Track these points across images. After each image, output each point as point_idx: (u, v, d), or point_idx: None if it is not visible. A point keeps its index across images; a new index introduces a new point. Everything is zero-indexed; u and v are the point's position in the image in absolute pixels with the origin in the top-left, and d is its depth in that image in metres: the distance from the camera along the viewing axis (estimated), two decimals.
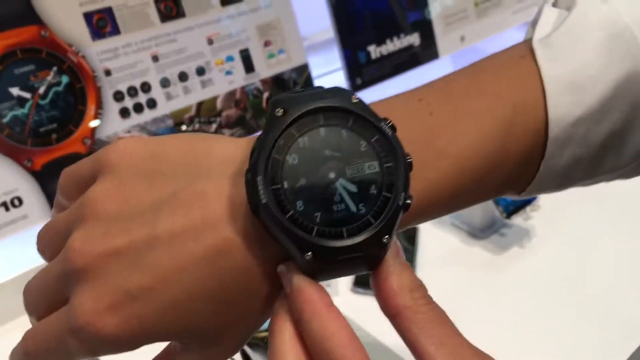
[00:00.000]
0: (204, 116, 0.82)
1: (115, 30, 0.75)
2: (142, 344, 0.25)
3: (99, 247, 0.24)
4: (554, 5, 0.30)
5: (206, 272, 0.24)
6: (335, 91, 0.25)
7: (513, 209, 0.80)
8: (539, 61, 0.28)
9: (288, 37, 0.89)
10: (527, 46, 0.29)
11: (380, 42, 0.99)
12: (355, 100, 0.24)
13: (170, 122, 0.79)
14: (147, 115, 0.78)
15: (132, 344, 0.25)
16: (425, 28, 1.06)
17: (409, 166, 0.24)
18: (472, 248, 0.81)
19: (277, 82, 0.89)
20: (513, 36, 1.24)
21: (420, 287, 0.24)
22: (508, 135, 0.27)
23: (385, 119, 0.25)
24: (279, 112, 0.24)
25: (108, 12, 0.75)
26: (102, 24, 0.74)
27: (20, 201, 0.69)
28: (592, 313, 0.69)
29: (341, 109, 0.24)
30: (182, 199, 0.24)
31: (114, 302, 0.24)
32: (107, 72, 0.75)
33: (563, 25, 0.28)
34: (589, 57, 0.27)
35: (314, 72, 0.93)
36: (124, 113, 0.76)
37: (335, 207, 0.23)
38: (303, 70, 0.91)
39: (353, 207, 0.23)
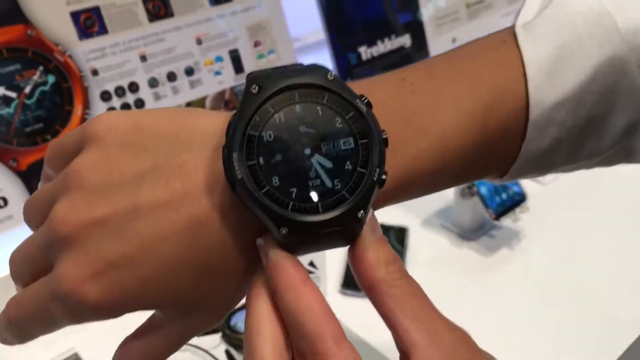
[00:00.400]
0: None
1: (103, 30, 0.75)
2: (124, 311, 0.25)
3: (83, 216, 0.24)
4: None
5: (187, 242, 0.24)
6: (312, 68, 0.25)
7: (502, 211, 0.80)
8: (520, 45, 0.28)
9: (278, 38, 0.89)
10: (510, 31, 0.29)
11: (371, 43, 0.99)
12: (330, 78, 0.25)
13: None
14: None
15: (114, 312, 0.25)
16: (417, 29, 1.06)
17: (385, 142, 0.25)
18: (461, 250, 0.81)
19: None
20: None
21: (395, 261, 0.24)
22: (488, 117, 0.28)
23: (361, 96, 0.25)
24: (255, 88, 0.24)
25: (95, 11, 0.74)
26: (89, 23, 0.74)
27: (5, 202, 0.68)
28: (582, 313, 0.69)
29: (316, 86, 0.24)
30: (164, 170, 0.25)
31: (96, 270, 0.24)
32: (95, 72, 0.74)
33: (546, 10, 0.28)
34: (570, 41, 0.27)
35: None
36: None
37: (310, 182, 0.24)
38: None
39: (328, 183, 0.24)
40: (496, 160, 0.29)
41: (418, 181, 0.27)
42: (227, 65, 0.85)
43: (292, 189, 0.23)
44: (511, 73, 0.28)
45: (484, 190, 0.78)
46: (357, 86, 0.25)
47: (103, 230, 0.24)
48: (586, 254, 0.78)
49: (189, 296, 0.26)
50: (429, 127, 0.27)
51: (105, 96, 0.75)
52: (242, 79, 0.86)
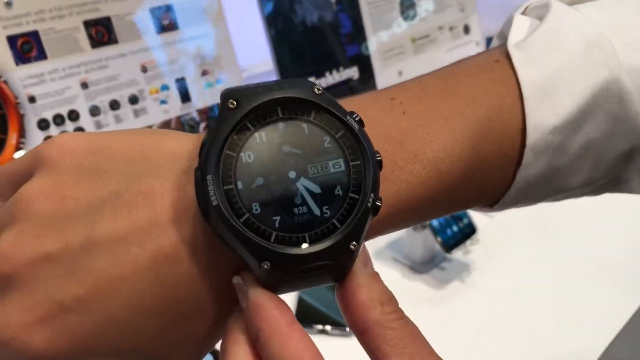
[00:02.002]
0: None
1: (42, 55, 0.71)
2: None
3: (29, 252, 0.21)
4: (524, 13, 0.29)
5: (150, 281, 0.21)
6: (296, 82, 0.22)
7: (453, 243, 0.79)
8: (515, 65, 0.26)
9: (226, 67, 0.87)
10: (500, 51, 0.28)
11: (319, 74, 0.99)
12: (318, 92, 0.22)
13: None
14: None
15: None
16: (364, 62, 1.06)
17: (379, 165, 0.22)
18: (413, 282, 0.80)
19: (214, 113, 0.86)
20: None
21: (391, 301, 0.22)
22: (483, 140, 0.26)
23: (351, 112, 0.22)
24: (232, 103, 0.21)
25: (34, 35, 0.71)
26: (27, 48, 0.70)
27: None
28: (531, 346, 0.69)
29: (302, 101, 0.22)
30: (126, 198, 0.22)
31: (44, 314, 0.21)
32: (32, 99, 0.70)
33: (539, 30, 0.27)
34: (566, 62, 0.26)
35: None
36: None
37: (296, 210, 0.21)
38: None
39: (316, 210, 0.21)
40: (489, 188, 0.27)
41: (411, 210, 0.25)
42: (174, 94, 0.82)
43: (274, 217, 0.21)
44: (507, 93, 0.26)
45: (435, 222, 0.78)
46: (343, 105, 0.23)
47: (53, 267, 0.21)
48: (535, 286, 0.78)
49: (154, 343, 0.22)
50: (422, 150, 0.25)
51: (43, 124, 0.71)
52: (188, 109, 0.83)
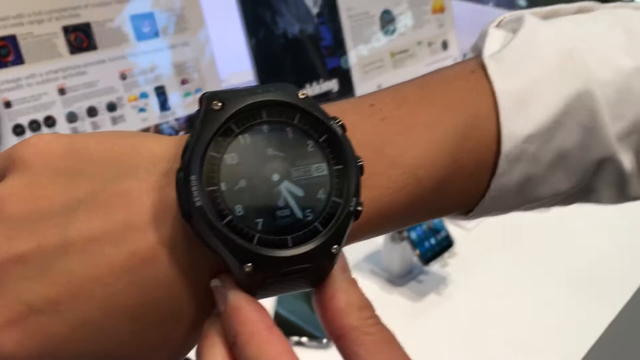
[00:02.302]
0: None
1: (19, 60, 0.70)
2: None
3: (0, 253, 0.21)
4: (498, 26, 0.30)
5: (126, 283, 0.21)
6: (280, 86, 0.22)
7: (431, 256, 0.80)
8: (490, 75, 0.27)
9: (206, 77, 0.87)
10: (476, 62, 0.28)
11: (299, 86, 0.99)
12: (302, 96, 0.22)
13: None
14: None
15: None
16: (344, 75, 1.07)
17: (360, 170, 0.22)
18: (390, 295, 0.80)
19: (193, 122, 0.85)
20: None
21: (368, 306, 0.22)
22: (460, 148, 0.26)
23: (334, 118, 0.23)
24: (217, 105, 0.21)
25: (11, 40, 0.70)
26: (4, 52, 0.69)
27: None
28: (508, 358, 0.69)
29: (287, 104, 0.22)
30: (102, 199, 0.21)
31: (14, 316, 0.21)
32: (7, 104, 0.69)
33: (513, 42, 0.28)
34: (540, 73, 0.27)
35: None
36: None
37: (279, 212, 0.21)
38: None
39: (299, 213, 0.21)
40: (465, 196, 0.28)
41: (389, 215, 0.25)
42: (153, 102, 0.82)
43: (257, 220, 0.21)
44: (482, 102, 0.27)
45: (413, 235, 0.78)
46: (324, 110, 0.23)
47: (25, 268, 0.21)
48: (511, 298, 0.79)
49: (128, 347, 0.22)
50: (401, 156, 0.25)
51: (18, 130, 0.70)
52: (167, 117, 0.83)
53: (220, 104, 0.21)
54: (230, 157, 0.21)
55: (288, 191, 0.21)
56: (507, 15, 0.31)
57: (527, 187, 0.28)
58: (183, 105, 0.84)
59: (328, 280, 0.22)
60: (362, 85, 1.10)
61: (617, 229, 0.90)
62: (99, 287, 0.21)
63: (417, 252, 0.78)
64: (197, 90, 0.86)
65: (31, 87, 0.71)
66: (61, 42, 0.73)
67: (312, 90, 1.01)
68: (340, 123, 0.23)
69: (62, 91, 0.73)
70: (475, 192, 0.28)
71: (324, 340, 0.70)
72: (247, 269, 0.20)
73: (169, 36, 0.83)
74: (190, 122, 0.85)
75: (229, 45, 0.93)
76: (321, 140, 0.22)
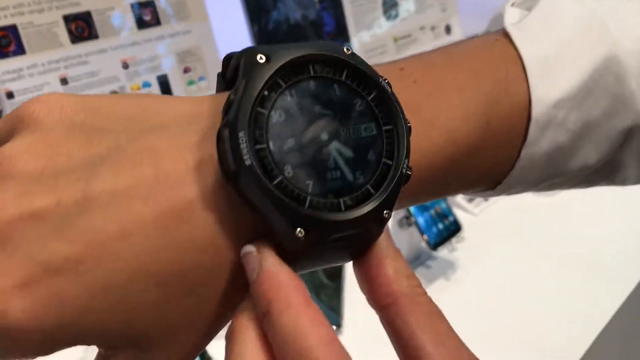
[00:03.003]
0: None
1: (20, 50, 0.69)
2: (54, 344, 0.19)
3: (12, 209, 0.18)
4: (513, 5, 0.30)
5: (155, 242, 0.19)
6: (324, 43, 0.21)
7: (439, 241, 0.79)
8: (515, 42, 0.26)
9: (209, 64, 0.86)
10: (499, 32, 0.28)
11: None
12: (348, 52, 0.21)
13: None
14: None
15: (41, 341, 0.18)
16: None
17: (409, 131, 0.21)
18: None
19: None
20: None
21: (414, 276, 0.20)
22: (492, 112, 0.26)
23: (381, 76, 0.21)
24: (261, 58, 0.20)
25: (12, 30, 0.69)
26: (5, 42, 0.68)
27: None
28: (518, 342, 0.69)
29: (335, 59, 0.21)
30: (129, 154, 0.19)
31: (25, 278, 0.18)
32: (10, 95, 0.68)
33: (534, 13, 0.27)
34: (564, 39, 0.26)
35: None
36: None
37: (329, 174, 0.20)
38: None
39: (349, 175, 0.20)
40: (496, 165, 0.27)
41: (428, 181, 0.24)
42: (155, 91, 0.81)
43: (308, 181, 0.19)
44: (510, 69, 0.26)
45: (421, 220, 0.78)
46: None
47: (40, 226, 0.18)
48: (520, 282, 0.78)
49: (150, 319, 0.19)
50: (437, 118, 0.24)
51: None
52: None
53: (264, 57, 0.20)
54: (277, 114, 0.19)
55: (337, 152, 0.20)
56: None
57: (555, 158, 0.27)
58: (186, 94, 0.84)
59: (374, 247, 0.21)
60: None
61: (626, 214, 0.90)
62: (125, 245, 0.18)
63: (425, 237, 0.78)
64: (200, 78, 0.85)
65: (33, 77, 0.70)
66: (62, 32, 0.72)
67: None
68: (387, 81, 0.21)
69: (64, 81, 0.73)
70: (506, 161, 0.27)
71: (334, 327, 0.69)
72: (299, 235, 0.19)
73: (171, 24, 0.82)
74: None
75: (231, 33, 0.92)
76: (370, 98, 0.21)
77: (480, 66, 0.26)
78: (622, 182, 0.31)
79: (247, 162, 0.18)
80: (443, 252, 0.82)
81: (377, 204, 0.20)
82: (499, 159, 0.27)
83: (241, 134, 0.18)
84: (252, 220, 0.19)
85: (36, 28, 0.70)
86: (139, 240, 0.18)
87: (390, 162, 0.21)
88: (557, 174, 0.28)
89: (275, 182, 0.19)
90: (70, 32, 0.73)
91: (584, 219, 0.89)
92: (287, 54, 0.20)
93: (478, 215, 0.92)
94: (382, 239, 0.21)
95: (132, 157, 0.19)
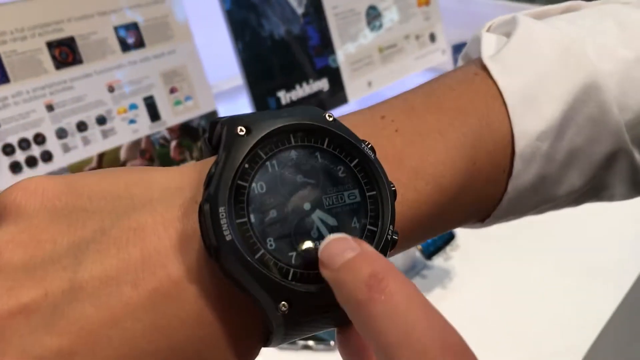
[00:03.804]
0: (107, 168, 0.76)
1: (4, 78, 0.69)
2: None
3: (1, 305, 0.18)
4: (488, 31, 0.30)
5: (147, 325, 0.19)
6: (304, 109, 0.21)
7: (433, 250, 0.79)
8: (494, 76, 0.26)
9: (195, 84, 0.86)
10: (476, 64, 0.28)
11: (289, 87, 0.98)
12: (329, 118, 0.21)
13: None
14: (42, 169, 0.71)
15: None
16: (333, 74, 1.06)
17: (394, 195, 0.21)
18: None
19: (185, 130, 0.85)
20: (417, 80, 1.27)
21: None
22: (477, 150, 0.26)
23: (364, 141, 0.21)
24: (241, 130, 0.20)
25: None
26: None
27: None
28: (516, 348, 0.68)
29: (315, 128, 0.21)
30: (113, 236, 0.19)
31: None
32: None
33: (510, 42, 0.27)
34: (543, 69, 0.26)
35: None
36: (15, 168, 0.69)
37: (312, 244, 0.20)
38: (212, 117, 0.88)
39: None
40: (484, 201, 0.27)
41: (415, 229, 0.24)
42: (142, 112, 0.81)
43: (290, 253, 0.19)
44: (492, 105, 0.26)
45: None
46: None
47: (31, 320, 0.18)
48: (516, 288, 0.78)
49: None
50: (421, 166, 0.24)
51: (8, 149, 0.69)
52: (158, 127, 0.82)
53: (244, 129, 0.20)
54: (258, 186, 0.19)
55: (321, 221, 0.20)
56: (496, 20, 0.30)
57: (542, 188, 0.27)
58: (174, 114, 0.83)
59: None
60: (352, 83, 1.09)
61: (621, 215, 0.90)
62: (117, 331, 0.18)
63: (419, 246, 0.78)
64: (187, 98, 0.85)
65: (18, 105, 0.70)
66: (46, 58, 0.72)
67: (302, 91, 1.00)
68: (370, 146, 0.21)
69: (50, 107, 0.72)
70: (493, 196, 0.27)
71: (332, 343, 0.69)
72: (282, 309, 0.18)
73: (155, 45, 0.82)
74: (182, 131, 0.84)
75: (216, 51, 0.92)
76: (353, 164, 0.21)
77: (461, 105, 0.26)
78: (610, 199, 0.31)
79: (228, 238, 0.18)
80: (438, 260, 0.82)
81: None
82: (486, 195, 0.27)
83: (221, 209, 0.18)
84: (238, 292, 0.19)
85: (20, 55, 0.70)
86: (130, 324, 0.19)
87: (375, 229, 0.20)
88: (544, 201, 0.29)
89: (257, 255, 0.19)
90: (54, 57, 0.73)
91: (579, 220, 0.89)
92: (268, 125, 0.20)
93: None
94: None
95: (117, 239, 0.19)
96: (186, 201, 0.20)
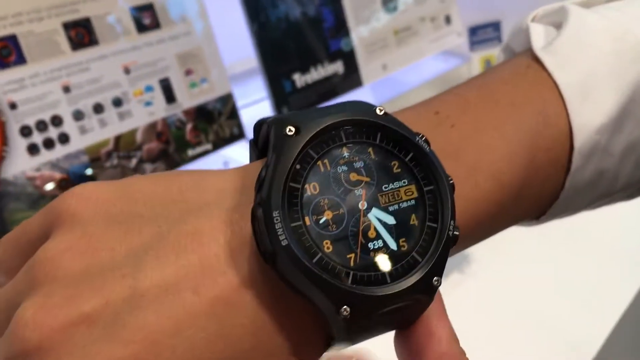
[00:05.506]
0: (123, 150, 0.76)
1: (21, 60, 0.68)
2: None
3: (61, 316, 0.18)
4: (533, 20, 0.29)
5: (210, 334, 0.18)
6: (354, 104, 0.20)
7: None
8: (549, 69, 0.26)
9: (210, 66, 0.85)
10: (528, 56, 0.27)
11: (304, 70, 0.97)
12: (380, 112, 0.20)
13: (85, 158, 0.73)
14: (59, 151, 0.71)
15: None
16: (348, 57, 1.05)
17: (452, 189, 0.20)
18: None
19: (201, 113, 0.84)
20: (432, 64, 1.26)
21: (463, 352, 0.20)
22: (535, 147, 0.25)
23: (417, 133, 0.21)
24: (290, 130, 0.19)
25: (12, 40, 0.68)
26: (5, 52, 0.67)
27: None
28: (536, 335, 0.68)
29: (367, 123, 0.20)
30: (171, 241, 0.19)
31: None
32: (12, 105, 0.67)
33: (562, 34, 0.27)
34: (598, 61, 0.26)
35: (239, 102, 0.89)
36: (33, 149, 0.69)
37: (370, 244, 0.19)
38: (227, 100, 0.87)
39: (392, 244, 0.19)
40: (541, 198, 0.26)
41: (474, 229, 0.24)
42: (158, 95, 0.80)
43: (349, 255, 0.18)
44: (548, 98, 0.25)
45: None
46: None
47: (92, 329, 0.18)
48: (535, 275, 0.78)
49: None
50: (480, 162, 0.23)
51: (25, 131, 0.68)
52: (173, 109, 0.81)
53: (293, 129, 0.19)
54: (311, 187, 0.19)
55: (378, 220, 0.19)
56: (540, 10, 0.29)
57: (599, 183, 0.27)
58: (189, 96, 0.83)
59: (424, 318, 0.20)
60: (367, 66, 1.08)
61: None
62: (180, 340, 0.18)
63: None
64: (202, 80, 0.84)
65: (35, 86, 0.69)
66: (62, 39, 0.71)
67: (317, 73, 0.99)
68: (424, 138, 0.21)
69: (66, 89, 0.72)
70: (551, 194, 0.26)
71: None
72: (344, 314, 0.18)
73: (171, 26, 0.81)
74: (198, 113, 0.83)
75: (231, 33, 0.91)
76: (408, 159, 0.20)
77: (516, 99, 0.25)
78: None
79: (284, 243, 0.18)
80: None
81: (424, 272, 0.19)
82: (544, 193, 0.26)
83: (275, 214, 0.18)
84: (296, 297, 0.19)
85: (36, 37, 0.69)
86: (193, 332, 0.18)
87: (435, 225, 0.20)
88: (600, 196, 0.28)
89: (315, 259, 0.18)
90: (70, 39, 0.72)
91: (600, 212, 0.89)
92: (317, 123, 0.19)
93: None
94: (433, 309, 0.20)
95: (175, 244, 0.19)
96: (241, 203, 0.20)
